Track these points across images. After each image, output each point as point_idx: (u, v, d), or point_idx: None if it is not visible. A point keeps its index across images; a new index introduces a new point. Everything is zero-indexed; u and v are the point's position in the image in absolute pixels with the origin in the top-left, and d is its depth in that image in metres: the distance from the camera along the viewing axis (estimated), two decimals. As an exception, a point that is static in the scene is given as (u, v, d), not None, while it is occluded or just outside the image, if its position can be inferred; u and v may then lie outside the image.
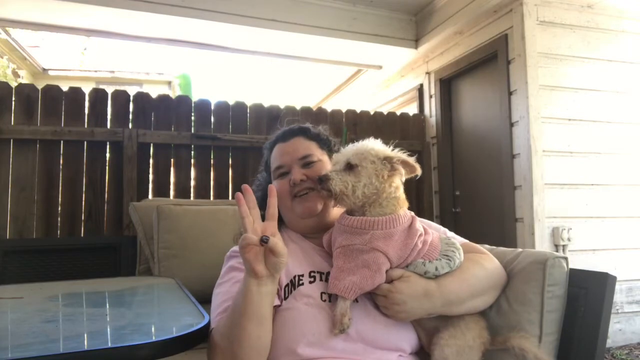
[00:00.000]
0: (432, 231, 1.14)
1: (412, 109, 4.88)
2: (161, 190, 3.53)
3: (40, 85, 3.35)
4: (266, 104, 3.94)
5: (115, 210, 3.36)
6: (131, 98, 3.54)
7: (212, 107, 3.75)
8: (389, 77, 5.14)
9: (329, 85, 6.25)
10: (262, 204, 1.01)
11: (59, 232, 3.24)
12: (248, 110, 3.86)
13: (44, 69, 11.62)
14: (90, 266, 2.55)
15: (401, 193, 1.13)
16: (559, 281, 1.11)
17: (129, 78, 12.99)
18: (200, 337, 0.90)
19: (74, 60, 13.66)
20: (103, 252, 2.61)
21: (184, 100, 3.74)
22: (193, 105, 3.72)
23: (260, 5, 3.80)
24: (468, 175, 4.07)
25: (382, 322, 1.05)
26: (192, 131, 3.67)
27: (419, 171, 1.11)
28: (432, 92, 4.45)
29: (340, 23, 4.04)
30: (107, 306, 1.29)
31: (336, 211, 1.19)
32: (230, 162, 3.74)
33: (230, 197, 3.62)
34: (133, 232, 2.68)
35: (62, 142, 3.30)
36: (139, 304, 1.35)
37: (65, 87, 3.42)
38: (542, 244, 3.16)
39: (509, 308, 1.12)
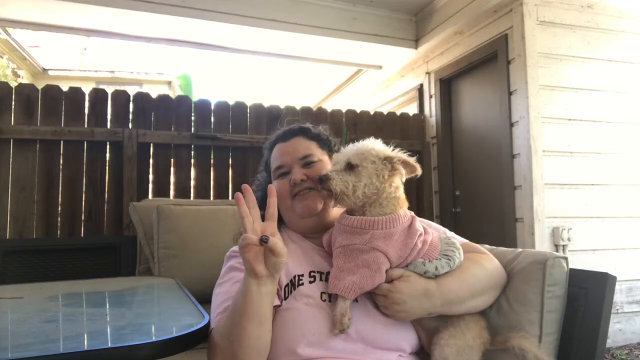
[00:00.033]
0: (432, 231, 1.14)
1: (412, 109, 4.88)
2: (161, 190, 3.53)
3: (40, 85, 3.35)
4: (266, 104, 3.94)
5: (115, 210, 3.36)
6: (131, 98, 3.54)
7: (212, 107, 3.75)
8: (389, 77, 5.14)
9: (329, 85, 6.25)
10: (262, 204, 1.01)
11: (59, 232, 3.24)
12: (248, 110, 3.86)
13: (44, 69, 11.63)
14: (90, 266, 2.55)
15: (401, 193, 1.13)
16: (559, 281, 1.11)
17: (129, 78, 12.99)
18: (200, 337, 0.90)
19: (74, 60, 13.67)
20: (103, 252, 2.61)
21: (184, 100, 3.74)
22: (193, 105, 3.73)
23: (260, 5, 3.80)
24: (468, 175, 4.07)
25: (382, 322, 1.05)
26: (192, 131, 3.67)
27: (419, 171, 1.11)
28: (432, 92, 4.45)
29: (340, 23, 4.04)
30: (107, 306, 1.29)
31: (336, 211, 1.19)
32: (230, 162, 3.74)
33: (230, 197, 3.62)
34: (133, 232, 2.68)
35: (62, 142, 3.30)
36: (139, 304, 1.35)
37: (65, 87, 3.42)
38: (542, 244, 3.16)
39: (509, 308, 1.12)
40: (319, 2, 3.98)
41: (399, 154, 1.12)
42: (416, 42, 4.29)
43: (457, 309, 1.06)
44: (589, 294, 1.09)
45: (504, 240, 3.39)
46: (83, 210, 3.32)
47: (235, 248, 1.20)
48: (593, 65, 3.46)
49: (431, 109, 4.47)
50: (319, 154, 1.25)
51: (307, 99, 6.61)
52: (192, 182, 3.63)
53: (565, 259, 1.13)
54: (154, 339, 0.85)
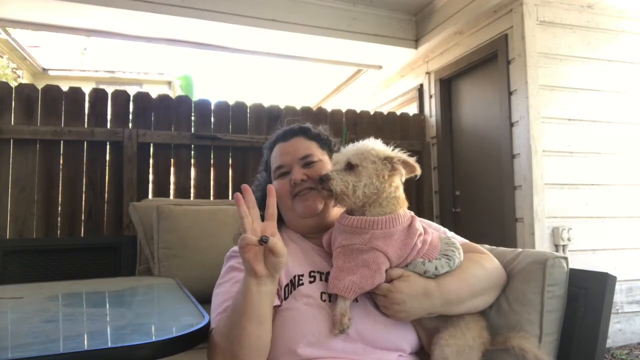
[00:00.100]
0: (431, 231, 1.14)
1: (412, 109, 4.88)
2: (161, 190, 3.53)
3: (40, 85, 3.35)
4: (266, 104, 3.94)
5: (115, 210, 3.36)
6: (131, 98, 3.54)
7: (212, 107, 3.75)
8: (389, 77, 5.14)
9: (329, 85, 6.25)
10: (262, 204, 1.01)
11: (59, 232, 3.24)
12: (248, 110, 3.86)
13: (44, 69, 11.63)
14: (90, 266, 2.55)
15: (401, 193, 1.13)
16: (559, 281, 1.11)
17: (129, 78, 13.00)
18: (200, 337, 0.90)
19: (74, 60, 13.67)
20: (103, 252, 2.61)
21: (184, 100, 3.74)
22: (193, 105, 3.72)
23: (260, 5, 3.80)
24: (468, 175, 4.07)
25: (382, 322, 1.05)
26: (192, 131, 3.67)
27: (418, 171, 1.12)
28: (432, 92, 4.45)
29: (340, 23, 4.04)
30: (107, 306, 1.29)
31: (336, 211, 1.19)
32: (230, 162, 3.74)
33: (230, 197, 3.62)
34: (133, 232, 2.68)
35: (62, 142, 3.30)
36: (139, 304, 1.35)
37: (65, 87, 3.42)
38: (542, 244, 3.16)
39: (509, 308, 1.12)
40: (319, 2, 3.98)
41: (398, 154, 1.12)
42: (416, 42, 4.29)
43: (457, 309, 1.06)
44: (589, 294, 1.09)
45: (504, 240, 3.39)
46: (83, 210, 3.32)
47: (235, 248, 1.20)
48: (593, 65, 3.46)
49: (431, 109, 4.47)
50: (319, 154, 1.25)
51: (307, 99, 6.61)
52: (192, 182, 3.63)
53: (565, 259, 1.13)
54: (154, 339, 0.85)
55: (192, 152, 3.67)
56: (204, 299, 1.19)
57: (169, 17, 3.58)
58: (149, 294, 1.50)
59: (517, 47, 3.35)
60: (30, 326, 0.94)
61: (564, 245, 3.20)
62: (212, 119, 3.73)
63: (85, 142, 3.35)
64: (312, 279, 1.11)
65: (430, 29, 4.09)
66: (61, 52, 13.27)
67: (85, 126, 3.37)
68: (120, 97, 3.52)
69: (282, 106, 3.98)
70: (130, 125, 3.49)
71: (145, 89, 7.30)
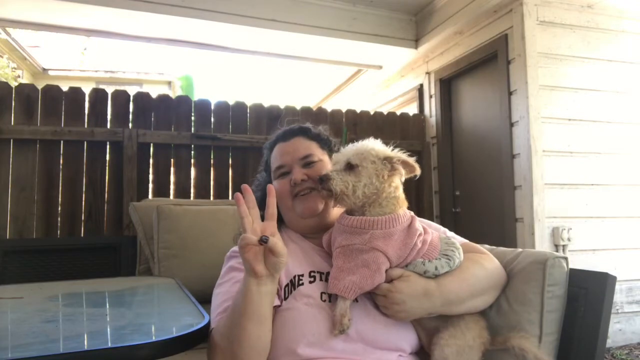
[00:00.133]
0: (431, 231, 1.14)
1: (412, 109, 4.88)
2: (161, 190, 3.53)
3: (40, 85, 3.35)
4: (266, 104, 3.94)
5: (115, 210, 3.36)
6: (131, 98, 3.54)
7: (212, 107, 3.75)
8: (389, 77, 5.14)
9: (329, 85, 6.25)
10: (262, 204, 1.01)
11: (59, 232, 3.24)
12: (248, 110, 3.86)
13: (44, 69, 11.64)
14: (90, 266, 2.55)
15: (401, 193, 1.13)
16: (559, 281, 1.11)
17: (129, 78, 13.01)
18: (200, 337, 0.90)
19: (74, 60, 13.67)
20: (103, 252, 2.61)
21: (184, 100, 3.74)
22: (193, 105, 3.72)
23: (260, 5, 3.80)
24: (468, 175, 4.07)
25: (382, 322, 1.05)
26: (192, 131, 3.67)
27: (418, 171, 1.12)
28: (432, 92, 4.45)
29: (340, 23, 4.04)
30: (107, 306, 1.29)
31: (336, 211, 1.19)
32: (230, 162, 3.74)
33: (230, 197, 3.62)
34: (133, 232, 2.68)
35: (62, 142, 3.30)
36: (139, 304, 1.35)
37: (65, 87, 3.42)
38: (542, 244, 3.16)
39: (509, 308, 1.12)
40: (319, 2, 3.98)
41: (398, 154, 1.12)
42: (416, 42, 4.29)
43: (457, 309, 1.06)
44: (589, 294, 1.09)
45: (504, 240, 3.39)
46: (83, 210, 3.32)
47: (235, 248, 1.20)
48: (593, 65, 3.46)
49: (431, 109, 4.47)
50: (320, 154, 1.25)
51: (307, 99, 6.61)
52: (192, 182, 3.63)
53: (565, 259, 1.13)
54: (154, 339, 0.85)
55: (192, 152, 3.67)
56: (204, 299, 1.19)
57: (169, 17, 3.58)
58: (149, 294, 1.50)
59: (517, 47, 3.35)
60: (30, 326, 0.94)
61: (564, 245, 3.20)
62: (212, 119, 3.73)
63: (85, 142, 3.35)
64: (312, 279, 1.11)
65: (430, 29, 4.09)
66: (61, 52, 13.27)
67: (85, 126, 3.37)
68: (120, 97, 3.52)
69: (282, 106, 3.98)
70: (130, 125, 3.49)
71: (145, 89, 7.30)
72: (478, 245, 1.21)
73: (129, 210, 2.47)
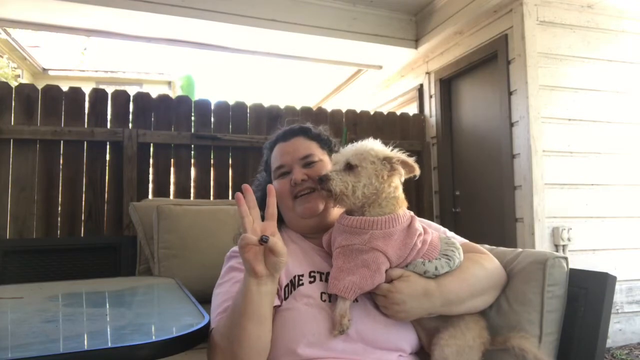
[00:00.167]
0: (431, 231, 1.14)
1: (412, 109, 4.88)
2: (161, 190, 3.53)
3: (40, 85, 3.35)
4: (266, 104, 3.94)
5: (115, 210, 3.36)
6: (131, 98, 3.54)
7: (212, 107, 3.75)
8: (389, 77, 5.14)
9: (329, 85, 6.25)
10: (262, 204, 1.01)
11: (59, 232, 3.24)
12: (248, 110, 3.86)
13: (44, 69, 11.65)
14: (90, 266, 2.55)
15: (400, 193, 1.13)
16: (559, 281, 1.11)
17: (129, 78, 13.02)
18: (200, 337, 0.90)
19: (74, 60, 13.68)
20: (103, 252, 2.61)
21: (184, 100, 3.74)
22: (193, 105, 3.73)
23: (260, 5, 3.80)
24: (468, 175, 4.07)
25: (382, 322, 1.05)
26: (192, 131, 3.67)
27: (417, 171, 1.12)
28: (432, 92, 4.45)
29: (340, 23, 4.04)
30: (107, 306, 1.29)
31: (337, 211, 1.19)
32: (230, 162, 3.74)
33: (230, 197, 3.62)
34: (133, 232, 2.68)
35: (62, 142, 3.30)
36: (139, 304, 1.35)
37: (65, 87, 3.42)
38: (542, 244, 3.16)
39: (509, 308, 1.12)
40: (319, 2, 3.98)
41: (397, 154, 1.12)
42: (416, 42, 4.29)
43: (457, 309, 1.06)
44: (589, 294, 1.09)
45: (504, 240, 3.39)
46: (83, 210, 3.32)
47: (236, 248, 1.20)
48: (593, 65, 3.46)
49: (431, 109, 4.47)
50: (320, 154, 1.25)
51: (307, 99, 6.61)
52: (192, 182, 3.63)
53: (565, 259, 1.13)
54: (154, 339, 0.85)
55: (192, 152, 3.67)
56: (204, 299, 1.19)
57: (169, 17, 3.58)
58: (149, 294, 1.50)
59: (517, 47, 3.35)
60: (30, 326, 0.94)
61: (564, 245, 3.20)
62: (212, 119, 3.73)
63: (85, 142, 3.35)
64: (312, 279, 1.11)
65: (430, 29, 4.09)
66: (61, 52, 13.28)
67: (85, 126, 3.37)
68: (120, 97, 3.52)
69: (282, 106, 3.99)
70: (130, 125, 3.49)
71: (145, 89, 7.31)
72: (478, 245, 1.21)
73: (129, 210, 2.47)
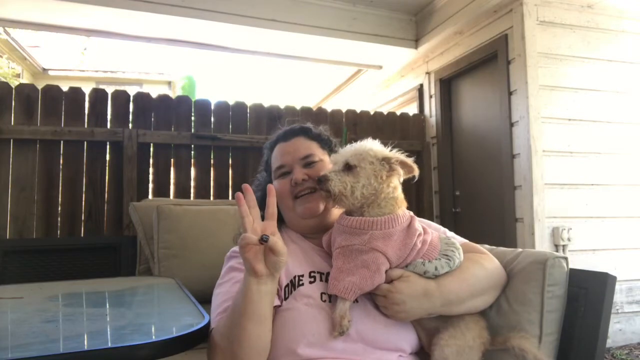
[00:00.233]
0: (431, 231, 1.14)
1: (412, 109, 4.88)
2: (161, 190, 3.53)
3: (40, 85, 3.35)
4: (266, 104, 3.94)
5: (115, 210, 3.36)
6: (131, 98, 3.54)
7: (212, 107, 3.75)
8: (389, 77, 5.14)
9: (329, 85, 6.25)
10: (262, 203, 1.01)
11: (59, 232, 3.24)
12: (248, 110, 3.86)
13: (44, 69, 11.65)
14: (90, 266, 2.55)
15: (399, 193, 1.13)
16: (559, 281, 1.11)
17: (129, 78, 13.02)
18: (200, 337, 0.91)
19: (74, 60, 13.67)
20: (103, 252, 2.61)
21: (184, 100, 3.74)
22: (193, 105, 3.72)
23: (260, 5, 3.80)
24: (468, 175, 4.07)
25: (382, 322, 1.05)
26: (192, 131, 3.67)
27: (416, 172, 1.12)
28: (432, 92, 4.45)
29: (340, 23, 4.04)
30: (107, 306, 1.29)
31: (337, 212, 1.19)
32: (230, 162, 3.74)
33: (230, 197, 3.62)
34: (133, 232, 2.68)
35: (62, 142, 3.30)
36: (139, 304, 1.35)
37: (65, 87, 3.42)
38: (542, 244, 3.16)
39: (509, 308, 1.12)
40: (319, 2, 3.98)
41: (396, 154, 1.12)
42: (416, 42, 4.29)
43: (457, 309, 1.06)
44: (589, 294, 1.09)
45: (504, 240, 3.39)
46: (83, 210, 3.32)
47: (236, 248, 1.20)
48: (593, 65, 3.46)
49: (431, 109, 4.47)
50: (320, 154, 1.25)
51: (307, 99, 6.61)
52: (192, 182, 3.63)
53: (565, 259, 1.13)
54: (154, 339, 0.85)
55: (192, 152, 3.67)
56: (204, 299, 1.19)
57: (169, 17, 3.57)
58: (149, 294, 1.50)
59: (517, 47, 3.35)
60: (30, 326, 0.94)
61: (564, 245, 3.20)
62: (212, 119, 3.73)
63: (85, 142, 3.35)
64: (312, 280, 1.11)
65: (430, 29, 4.09)
66: (61, 52, 13.27)
67: (85, 126, 3.37)
68: (120, 97, 3.52)
69: (282, 106, 3.99)
70: (130, 125, 3.49)
71: (145, 89, 7.31)
72: (478, 245, 1.21)
73: (129, 210, 2.47)
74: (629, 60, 3.58)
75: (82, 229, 3.30)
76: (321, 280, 1.11)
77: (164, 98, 3.69)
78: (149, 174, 3.50)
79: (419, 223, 1.12)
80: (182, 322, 1.03)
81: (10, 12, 3.60)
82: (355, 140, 1.16)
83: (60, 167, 3.29)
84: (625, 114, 3.51)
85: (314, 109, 4.22)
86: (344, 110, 4.22)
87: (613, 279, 1.07)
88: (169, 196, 3.52)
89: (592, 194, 3.36)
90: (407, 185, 1.16)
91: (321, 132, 1.31)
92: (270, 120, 3.84)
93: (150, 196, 3.48)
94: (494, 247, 1.30)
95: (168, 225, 2.15)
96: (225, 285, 1.13)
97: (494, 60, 3.65)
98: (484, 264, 1.11)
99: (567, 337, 1.10)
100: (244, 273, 0.95)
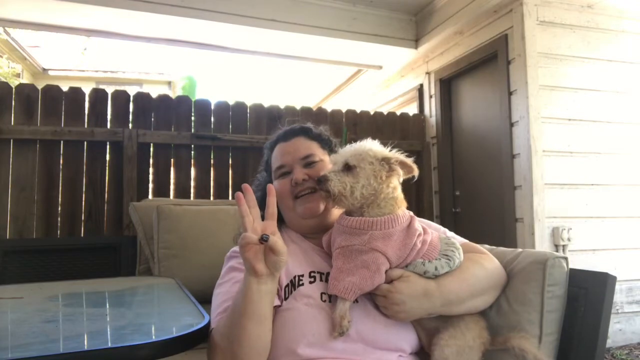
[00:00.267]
0: (431, 231, 1.14)
1: (412, 109, 4.88)
2: (161, 190, 3.53)
3: (40, 85, 3.35)
4: (266, 104, 3.94)
5: (115, 210, 3.36)
6: (131, 98, 3.54)
7: (212, 107, 3.75)
8: (389, 77, 5.14)
9: (329, 85, 6.25)
10: (262, 203, 1.01)
11: (59, 232, 3.24)
12: (248, 110, 3.86)
13: (44, 69, 11.65)
14: (90, 266, 2.55)
15: (399, 193, 1.13)
16: (559, 281, 1.10)
17: (129, 78, 13.02)
18: (200, 337, 0.91)
19: (74, 60, 13.67)
20: (103, 252, 2.62)
21: (184, 100, 3.74)
22: (193, 105, 3.73)
23: (260, 5, 3.80)
24: (468, 175, 4.07)
25: (382, 322, 1.05)
26: (192, 131, 3.67)
27: (416, 172, 1.12)
28: (432, 92, 4.45)
29: (340, 23, 4.04)
30: (107, 306, 1.29)
31: (337, 212, 1.19)
32: (230, 162, 3.74)
33: (230, 197, 3.62)
34: (133, 232, 2.68)
35: (62, 142, 3.30)
36: (139, 304, 1.35)
37: (65, 87, 3.42)
38: (542, 244, 3.16)
39: (509, 308, 1.12)
40: (319, 2, 3.98)
41: (396, 154, 1.12)
42: (416, 42, 4.29)
43: (457, 309, 1.06)
44: (589, 294, 1.09)
45: (504, 240, 3.39)
46: (83, 210, 3.32)
47: (236, 248, 1.20)
48: (593, 65, 3.46)
49: (431, 109, 4.47)
50: (320, 154, 1.25)
51: (307, 99, 6.61)
52: (192, 182, 3.63)
53: (565, 259, 1.13)
54: (154, 339, 0.85)
55: (192, 152, 3.67)
56: (204, 299, 1.19)
57: (169, 17, 3.57)
58: (149, 294, 1.50)
59: (517, 47, 3.35)
60: (30, 326, 0.94)
61: (564, 245, 3.20)
62: (212, 119, 3.73)
63: (85, 142, 3.35)
64: (312, 280, 1.11)
65: (430, 29, 4.09)
66: (61, 52, 13.27)
67: (85, 126, 3.37)
68: (120, 97, 3.52)
69: (282, 106, 3.99)
70: (130, 125, 3.49)
71: (145, 89, 7.31)
72: (478, 245, 1.21)
73: (129, 210, 2.47)
74: (629, 60, 3.58)
75: (82, 229, 3.30)
76: (321, 280, 1.11)
77: (164, 98, 3.69)
78: (149, 174, 3.50)
79: (419, 223, 1.12)
80: (182, 322, 1.03)
81: (10, 12, 3.60)
82: (355, 140, 1.15)
83: (60, 167, 3.29)
84: (625, 114, 3.51)
85: (314, 109, 4.22)
86: (344, 110, 4.22)
87: (613, 279, 1.07)
88: (169, 196, 3.52)
89: (592, 194, 3.36)
90: (407, 185, 1.16)
91: (321, 132, 1.31)
92: (270, 120, 3.84)
93: (150, 196, 3.48)
94: (494, 247, 1.30)
95: (168, 225, 2.15)
96: (225, 285, 1.13)
97: (494, 60, 3.65)
98: (484, 264, 1.11)
99: (567, 337, 1.10)
100: (244, 273, 0.95)
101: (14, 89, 3.25)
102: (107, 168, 3.40)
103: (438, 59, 4.34)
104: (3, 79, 6.52)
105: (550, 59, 3.34)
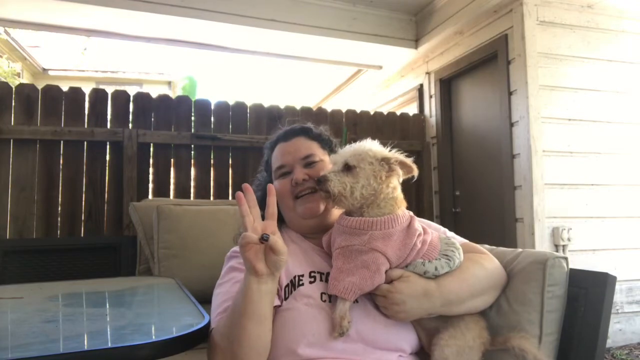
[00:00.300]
0: (431, 231, 1.14)
1: (412, 109, 4.88)
2: (161, 190, 3.53)
3: (40, 85, 3.35)
4: (266, 104, 3.94)
5: (115, 210, 3.36)
6: (131, 98, 3.54)
7: (212, 107, 3.75)
8: (389, 77, 5.14)
9: (329, 85, 6.25)
10: (262, 203, 1.01)
11: (59, 232, 3.24)
12: (248, 110, 3.86)
13: (44, 69, 11.65)
14: (90, 266, 2.55)
15: (399, 193, 1.13)
16: (559, 281, 1.10)
17: (129, 78, 13.01)
18: (200, 337, 0.91)
19: (74, 60, 13.67)
20: (103, 252, 2.62)
21: (184, 100, 3.74)
22: (193, 105, 3.73)
23: (260, 5, 3.80)
24: (468, 175, 4.07)
25: (382, 322, 1.05)
26: (192, 131, 3.67)
27: (416, 172, 1.12)
28: (432, 92, 4.45)
29: (340, 23, 4.04)
30: (107, 306, 1.29)
31: (337, 212, 1.19)
32: (230, 162, 3.74)
33: (230, 197, 3.62)
34: (133, 232, 2.68)
35: (62, 142, 3.30)
36: (139, 304, 1.35)
37: (65, 87, 3.42)
38: (542, 244, 3.16)
39: (509, 308, 1.12)
40: (319, 2, 3.98)
41: (395, 154, 1.12)
42: (416, 42, 4.29)
43: (457, 309, 1.06)
44: (589, 294, 1.09)
45: (504, 240, 3.39)
46: (83, 210, 3.32)
47: (236, 248, 1.20)
48: (593, 65, 3.46)
49: (431, 109, 4.47)
50: (321, 154, 1.25)
51: (307, 99, 6.61)
52: (192, 182, 3.63)
53: (565, 259, 1.13)
54: (154, 339, 0.85)
55: (192, 152, 3.67)
56: (204, 299, 1.19)
57: (169, 17, 3.58)
58: (149, 294, 1.50)
59: (517, 47, 3.35)
60: (30, 326, 0.94)
61: (564, 245, 3.20)
62: (212, 119, 3.73)
63: (85, 142, 3.35)
64: (312, 280, 1.11)
65: (430, 29, 4.09)
66: (61, 52, 13.27)
67: (85, 126, 3.37)
68: (120, 97, 3.52)
69: (282, 106, 3.99)
70: (130, 125, 3.49)
71: (145, 89, 7.31)
72: (478, 245, 1.21)
73: (129, 210, 2.48)
74: (629, 60, 3.58)
75: (82, 229, 3.30)
76: (321, 280, 1.11)
77: (164, 98, 3.69)
78: (149, 174, 3.50)
79: (419, 223, 1.12)
80: (182, 322, 1.03)
81: (10, 12, 3.60)
82: (355, 140, 1.15)
83: (60, 167, 3.29)
84: (625, 114, 3.51)
85: (314, 109, 4.22)
86: (344, 110, 4.22)
87: (613, 279, 1.07)
88: (169, 196, 3.52)
89: (592, 194, 3.36)
90: (407, 185, 1.16)
91: (322, 132, 1.31)
92: (270, 120, 3.84)
93: (150, 196, 3.48)
94: (494, 247, 1.30)
95: (168, 225, 2.15)
96: (225, 285, 1.13)
97: (494, 60, 3.65)
98: (484, 264, 1.11)
99: (567, 337, 1.10)
100: (245, 272, 0.95)
101: (14, 89, 3.25)
102: (107, 168, 3.40)
103: (438, 59, 4.35)
104: (3, 79, 6.52)
105: (550, 59, 3.34)
